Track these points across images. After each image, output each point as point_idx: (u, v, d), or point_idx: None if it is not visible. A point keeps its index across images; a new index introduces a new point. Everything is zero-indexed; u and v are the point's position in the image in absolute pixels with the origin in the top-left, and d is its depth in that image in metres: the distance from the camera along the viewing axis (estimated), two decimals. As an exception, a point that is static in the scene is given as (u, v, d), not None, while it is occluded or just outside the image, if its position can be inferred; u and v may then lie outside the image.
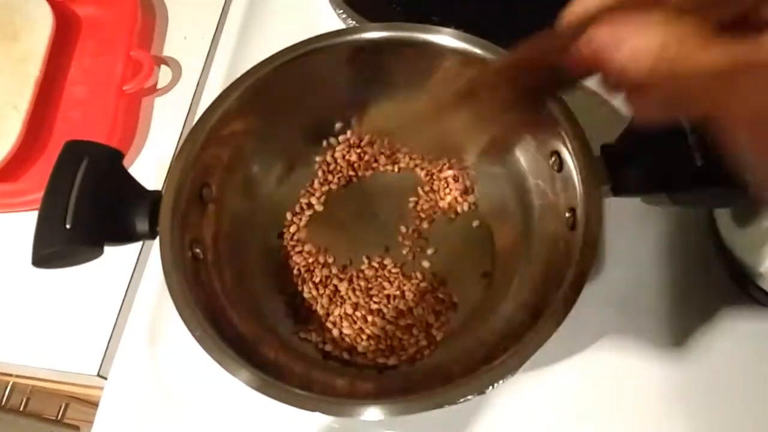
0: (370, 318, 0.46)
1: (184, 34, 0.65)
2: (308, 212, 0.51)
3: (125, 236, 0.41)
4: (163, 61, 0.63)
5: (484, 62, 0.43)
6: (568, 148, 0.41)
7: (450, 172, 0.51)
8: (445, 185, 0.51)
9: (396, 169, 0.52)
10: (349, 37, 0.45)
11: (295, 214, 0.51)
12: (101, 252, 0.39)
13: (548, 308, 0.37)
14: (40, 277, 0.52)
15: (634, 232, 0.49)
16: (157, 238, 0.40)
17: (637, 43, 0.23)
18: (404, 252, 0.49)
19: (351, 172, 0.52)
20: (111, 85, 0.59)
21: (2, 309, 0.54)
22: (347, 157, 0.52)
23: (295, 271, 0.49)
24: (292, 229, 0.50)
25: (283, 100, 0.48)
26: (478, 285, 0.47)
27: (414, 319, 0.46)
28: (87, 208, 0.39)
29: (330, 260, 0.49)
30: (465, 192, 0.50)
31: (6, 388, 0.86)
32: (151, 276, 0.52)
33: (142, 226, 0.41)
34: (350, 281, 0.48)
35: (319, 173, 0.52)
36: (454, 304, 0.47)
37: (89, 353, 0.51)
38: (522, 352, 0.36)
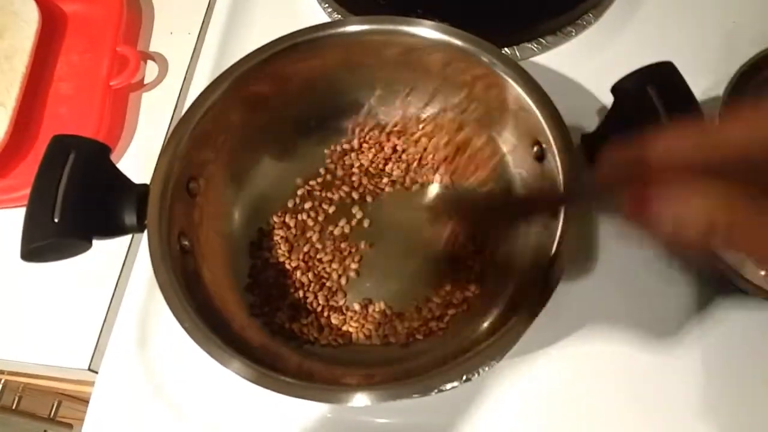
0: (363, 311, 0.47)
1: (171, 30, 0.65)
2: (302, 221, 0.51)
3: (113, 229, 0.41)
4: (149, 56, 0.63)
5: (466, 55, 0.44)
6: (548, 138, 0.41)
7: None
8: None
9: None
10: (333, 31, 0.46)
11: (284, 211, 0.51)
12: (89, 245, 0.40)
13: (528, 298, 0.37)
14: (30, 272, 0.52)
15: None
16: (146, 231, 0.41)
17: (687, 219, 0.23)
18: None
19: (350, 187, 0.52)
20: (98, 80, 0.59)
21: (-6, 304, 0.54)
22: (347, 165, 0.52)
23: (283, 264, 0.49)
24: (279, 229, 0.51)
25: (270, 94, 0.48)
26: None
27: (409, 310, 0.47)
28: (75, 201, 0.39)
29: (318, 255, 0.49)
30: None
31: (-2, 386, 0.86)
32: (140, 269, 0.52)
33: (130, 219, 0.41)
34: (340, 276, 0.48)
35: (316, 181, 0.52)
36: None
37: (80, 347, 0.51)
38: (502, 341, 0.36)
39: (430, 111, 0.51)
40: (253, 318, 0.45)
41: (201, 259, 0.44)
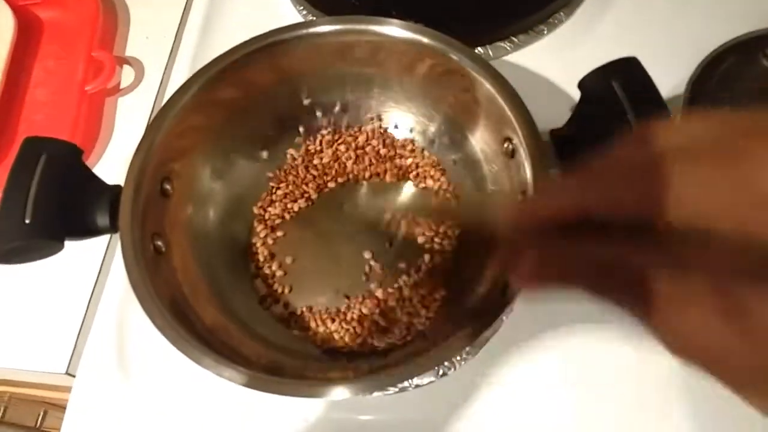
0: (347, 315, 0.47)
1: (146, 34, 0.66)
2: (276, 220, 0.51)
3: (86, 230, 0.41)
4: (125, 61, 0.64)
5: (435, 53, 0.45)
6: (518, 135, 0.42)
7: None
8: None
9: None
10: (303, 31, 0.46)
11: (262, 216, 0.52)
12: (62, 246, 0.40)
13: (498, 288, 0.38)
14: (7, 275, 0.52)
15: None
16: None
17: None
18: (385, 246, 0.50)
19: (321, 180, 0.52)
20: (73, 86, 0.60)
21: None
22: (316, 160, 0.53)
23: (261, 259, 0.50)
24: (260, 230, 0.51)
25: (240, 95, 0.48)
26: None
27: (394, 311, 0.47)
28: (46, 202, 0.39)
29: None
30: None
31: (-18, 397, 0.85)
32: (118, 271, 0.52)
33: (102, 220, 0.41)
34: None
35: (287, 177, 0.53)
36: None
37: (58, 351, 0.51)
38: (473, 332, 0.37)
39: (399, 111, 0.52)
40: (229, 319, 0.45)
41: (174, 259, 0.44)
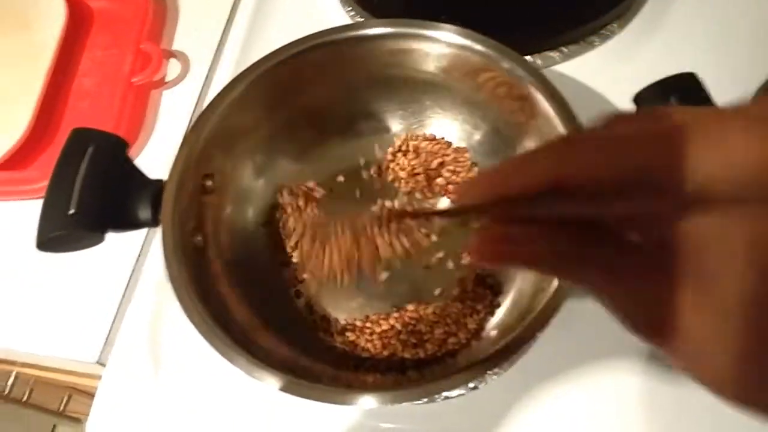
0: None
1: (194, 28, 0.66)
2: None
3: (127, 223, 0.42)
4: (172, 54, 0.64)
5: (488, 60, 0.44)
6: None
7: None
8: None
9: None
10: (353, 33, 0.46)
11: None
12: (102, 238, 0.40)
13: (536, 308, 0.37)
14: (45, 263, 0.53)
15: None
16: (159, 226, 0.41)
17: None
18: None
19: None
20: (120, 77, 0.60)
21: (8, 295, 0.54)
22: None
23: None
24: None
25: (289, 94, 0.48)
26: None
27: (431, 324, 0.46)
28: (91, 194, 0.40)
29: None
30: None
31: (9, 378, 0.87)
32: (154, 265, 0.52)
33: (144, 213, 0.41)
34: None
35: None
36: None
37: (90, 341, 0.51)
38: (508, 350, 0.36)
39: (445, 118, 0.51)
40: (264, 318, 0.45)
41: (213, 255, 0.44)
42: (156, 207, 0.41)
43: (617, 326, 0.20)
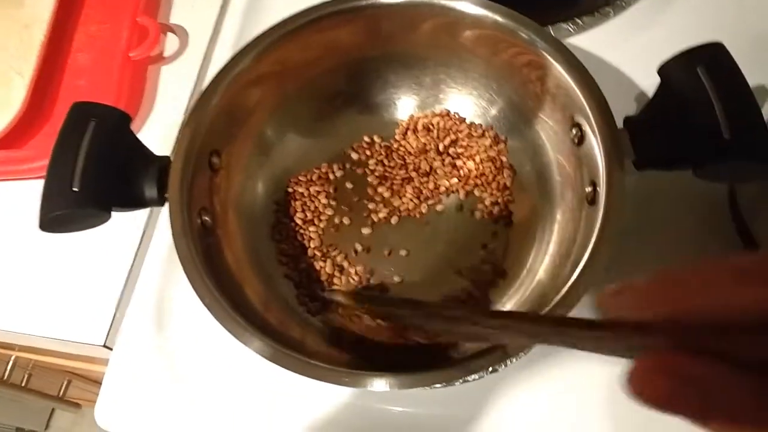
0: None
1: (192, 1, 0.63)
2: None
3: (133, 201, 0.40)
4: (170, 28, 0.62)
5: (505, 31, 0.42)
6: (589, 120, 0.39)
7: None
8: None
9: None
10: (365, 1, 0.44)
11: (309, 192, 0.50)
12: (108, 216, 0.39)
13: (562, 290, 0.36)
14: (46, 245, 0.51)
15: (649, 209, 0.47)
16: (166, 205, 0.39)
17: None
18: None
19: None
20: (117, 52, 0.58)
21: (8, 277, 0.53)
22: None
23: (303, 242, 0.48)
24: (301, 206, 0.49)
25: (296, 67, 0.46)
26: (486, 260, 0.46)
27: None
28: (95, 171, 0.38)
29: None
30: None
31: (8, 363, 0.85)
32: (158, 245, 0.51)
33: (150, 191, 0.40)
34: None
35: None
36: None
37: (95, 323, 0.50)
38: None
39: (459, 94, 0.50)
40: (273, 298, 0.44)
41: (221, 235, 0.43)
42: (162, 185, 0.40)
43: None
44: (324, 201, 0.49)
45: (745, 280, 0.16)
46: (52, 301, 0.51)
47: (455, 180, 0.48)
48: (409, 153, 0.50)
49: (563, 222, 0.43)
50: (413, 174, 0.49)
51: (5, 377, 0.86)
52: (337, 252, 0.47)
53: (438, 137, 0.49)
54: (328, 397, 0.45)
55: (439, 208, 0.48)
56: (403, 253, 0.47)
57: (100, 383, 0.48)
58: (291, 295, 0.46)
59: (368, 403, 0.45)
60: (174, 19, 0.63)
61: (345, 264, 0.47)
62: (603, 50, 0.53)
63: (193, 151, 0.41)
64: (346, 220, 0.48)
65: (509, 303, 0.44)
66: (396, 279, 0.46)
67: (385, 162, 0.50)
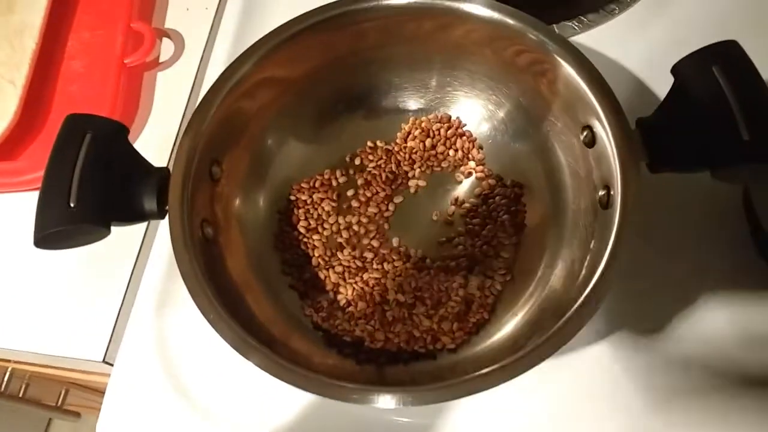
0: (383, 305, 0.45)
1: (187, 6, 0.62)
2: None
3: (132, 215, 0.38)
4: (165, 33, 0.60)
5: (512, 32, 0.41)
6: (602, 122, 0.38)
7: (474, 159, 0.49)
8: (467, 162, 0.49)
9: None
10: (365, 5, 0.43)
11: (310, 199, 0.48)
12: (108, 232, 0.37)
13: (579, 299, 0.34)
14: (42, 259, 0.50)
15: (663, 210, 0.46)
16: (167, 218, 0.38)
17: None
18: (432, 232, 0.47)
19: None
20: (111, 58, 0.56)
21: (3, 293, 0.51)
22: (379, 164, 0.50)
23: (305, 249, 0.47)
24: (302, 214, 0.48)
25: (297, 73, 0.45)
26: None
27: (436, 310, 0.44)
28: (91, 185, 0.37)
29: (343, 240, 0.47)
30: (486, 174, 0.48)
31: (5, 373, 0.84)
32: (157, 257, 0.50)
33: (150, 204, 0.38)
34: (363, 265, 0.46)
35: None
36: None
37: (94, 339, 0.48)
38: (548, 345, 0.34)
39: (466, 97, 0.49)
40: (278, 311, 0.43)
41: (224, 246, 0.42)
42: (162, 197, 0.38)
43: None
44: (327, 208, 0.48)
45: None
46: (50, 317, 0.50)
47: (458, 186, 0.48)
48: (410, 157, 0.49)
49: (576, 227, 0.42)
50: (416, 176, 0.48)
51: (2, 388, 0.85)
52: (343, 260, 0.46)
53: (435, 145, 0.49)
54: (331, 408, 0.44)
55: (449, 211, 0.48)
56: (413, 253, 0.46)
57: (100, 391, 0.47)
58: (296, 306, 0.45)
59: (369, 414, 0.44)
60: (169, 23, 0.62)
61: (350, 272, 0.46)
62: (609, 48, 0.52)
63: (193, 162, 0.40)
64: (351, 227, 0.47)
65: (521, 312, 0.43)
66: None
67: (386, 166, 0.49)
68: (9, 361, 0.77)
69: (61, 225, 0.36)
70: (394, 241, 0.47)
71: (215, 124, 0.41)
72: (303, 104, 0.47)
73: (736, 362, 0.42)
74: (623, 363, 0.43)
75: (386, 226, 0.47)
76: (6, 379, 0.84)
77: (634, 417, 0.42)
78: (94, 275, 0.51)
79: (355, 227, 0.47)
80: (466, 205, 0.47)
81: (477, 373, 0.34)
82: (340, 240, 0.47)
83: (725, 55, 0.37)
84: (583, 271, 0.38)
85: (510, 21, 0.41)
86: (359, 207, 0.48)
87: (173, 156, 0.40)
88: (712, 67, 0.36)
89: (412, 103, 0.50)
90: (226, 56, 0.57)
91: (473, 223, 0.47)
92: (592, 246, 0.38)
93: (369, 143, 0.50)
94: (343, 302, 0.45)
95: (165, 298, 0.48)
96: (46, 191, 0.36)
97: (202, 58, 0.59)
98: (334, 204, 0.48)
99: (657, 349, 0.43)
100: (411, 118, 0.50)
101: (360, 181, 0.49)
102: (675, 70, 0.38)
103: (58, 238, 0.37)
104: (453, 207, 0.48)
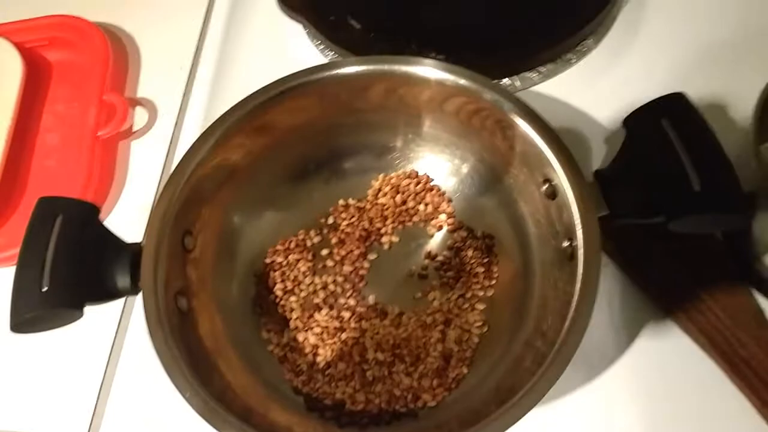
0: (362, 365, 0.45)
1: (159, 73, 0.63)
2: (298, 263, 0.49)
3: (106, 294, 0.39)
4: (138, 102, 0.61)
5: (468, 93, 0.42)
6: (558, 176, 0.39)
7: (444, 213, 0.50)
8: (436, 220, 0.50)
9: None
10: (327, 73, 0.44)
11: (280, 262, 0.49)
12: (81, 314, 0.38)
13: (551, 352, 0.35)
14: (18, 338, 0.50)
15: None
16: (140, 294, 0.38)
17: None
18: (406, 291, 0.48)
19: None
20: (85, 131, 0.57)
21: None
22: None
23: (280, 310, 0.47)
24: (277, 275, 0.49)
25: (263, 143, 0.46)
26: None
27: (416, 368, 0.44)
28: (63, 268, 0.37)
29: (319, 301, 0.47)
30: (457, 226, 0.49)
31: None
32: (136, 330, 0.50)
33: (123, 281, 0.39)
34: (340, 323, 0.46)
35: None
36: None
37: (76, 416, 0.48)
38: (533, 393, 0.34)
39: (431, 153, 0.50)
40: (255, 380, 0.43)
41: (199, 316, 0.42)
42: (135, 273, 0.39)
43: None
44: (303, 269, 0.48)
45: None
46: (29, 396, 0.49)
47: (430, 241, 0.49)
48: (382, 213, 0.50)
49: (546, 278, 0.42)
50: (389, 232, 0.49)
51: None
52: (321, 320, 0.47)
53: (405, 200, 0.50)
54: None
55: (423, 264, 0.48)
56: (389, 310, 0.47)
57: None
58: (274, 372, 0.45)
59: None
60: (141, 92, 0.63)
61: (328, 332, 0.46)
62: (567, 96, 0.54)
63: (165, 234, 0.40)
64: (327, 287, 0.48)
65: (500, 363, 0.43)
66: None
67: (358, 223, 0.50)
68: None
69: (35, 310, 0.36)
70: (371, 299, 0.47)
71: (185, 196, 0.42)
72: (271, 171, 0.48)
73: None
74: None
75: (362, 284, 0.48)
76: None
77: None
78: (74, 352, 0.50)
79: (331, 286, 0.48)
80: (440, 258, 0.48)
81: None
82: (317, 300, 0.47)
83: (673, 108, 0.38)
84: (557, 319, 0.38)
85: (465, 82, 0.42)
86: (334, 266, 0.49)
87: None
88: (661, 120, 0.37)
89: (380, 162, 0.51)
90: (199, 122, 0.58)
91: (447, 276, 0.47)
92: (562, 295, 0.39)
93: (341, 202, 0.50)
94: (322, 364, 0.45)
95: (147, 367, 0.48)
96: (19, 276, 0.37)
97: (175, 125, 0.60)
98: (309, 264, 0.48)
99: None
100: (381, 176, 0.51)
101: (334, 240, 0.49)
102: (626, 122, 0.39)
103: (33, 322, 0.37)
104: (426, 261, 0.48)
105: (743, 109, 0.44)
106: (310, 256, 0.49)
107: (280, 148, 0.47)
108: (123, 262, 0.39)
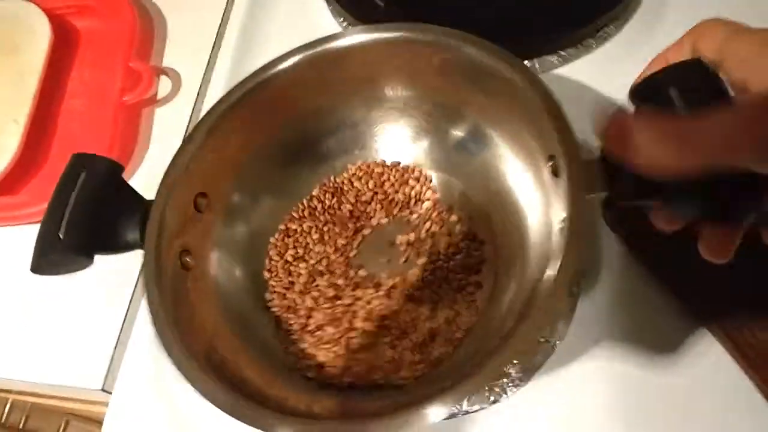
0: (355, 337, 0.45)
1: (184, 44, 0.65)
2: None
3: (116, 246, 0.41)
4: (162, 71, 0.63)
5: (476, 62, 0.43)
6: (558, 151, 0.38)
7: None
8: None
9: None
10: (343, 42, 0.45)
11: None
12: (91, 262, 0.40)
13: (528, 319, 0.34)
14: (42, 289, 0.52)
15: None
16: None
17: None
18: (400, 262, 0.48)
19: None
20: (110, 96, 0.59)
21: (3, 323, 0.53)
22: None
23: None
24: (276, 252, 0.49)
25: (279, 110, 0.47)
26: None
27: (407, 338, 0.44)
28: (80, 219, 0.40)
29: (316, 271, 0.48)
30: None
31: (5, 405, 0.85)
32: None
33: (132, 235, 0.40)
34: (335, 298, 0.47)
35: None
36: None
37: (93, 367, 0.50)
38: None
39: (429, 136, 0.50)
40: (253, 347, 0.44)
41: (204, 278, 0.43)
42: (144, 227, 0.40)
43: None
44: (315, 237, 0.49)
45: None
46: (49, 346, 0.51)
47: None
48: (373, 192, 0.51)
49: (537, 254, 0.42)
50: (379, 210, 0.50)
51: (2, 420, 0.86)
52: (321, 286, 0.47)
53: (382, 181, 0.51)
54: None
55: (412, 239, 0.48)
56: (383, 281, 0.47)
57: (100, 422, 0.48)
58: (267, 340, 0.45)
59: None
60: (166, 61, 0.64)
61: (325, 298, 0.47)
62: (587, 80, 0.54)
63: (176, 192, 0.42)
64: (329, 256, 0.49)
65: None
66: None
67: (351, 199, 0.51)
68: (9, 392, 0.78)
69: (50, 254, 0.39)
70: (364, 271, 0.47)
71: (201, 156, 0.43)
72: (285, 138, 0.49)
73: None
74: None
75: (355, 255, 0.48)
76: (6, 410, 0.85)
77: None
78: (94, 304, 0.52)
79: (333, 256, 0.48)
80: (429, 238, 0.48)
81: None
82: (320, 268, 0.48)
83: (684, 75, 0.35)
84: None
85: (474, 50, 0.43)
86: (330, 239, 0.49)
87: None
88: (668, 88, 0.34)
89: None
90: (221, 92, 0.59)
91: (441, 257, 0.47)
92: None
93: (327, 181, 0.51)
94: (312, 326, 0.45)
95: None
96: (44, 223, 0.40)
97: (198, 94, 0.62)
98: (319, 234, 0.49)
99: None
100: (353, 164, 0.52)
101: (328, 216, 0.50)
102: (631, 95, 0.37)
103: (49, 265, 0.40)
104: (414, 235, 0.48)
105: None
106: (320, 225, 0.50)
107: (293, 118, 0.49)
108: (135, 216, 0.41)
